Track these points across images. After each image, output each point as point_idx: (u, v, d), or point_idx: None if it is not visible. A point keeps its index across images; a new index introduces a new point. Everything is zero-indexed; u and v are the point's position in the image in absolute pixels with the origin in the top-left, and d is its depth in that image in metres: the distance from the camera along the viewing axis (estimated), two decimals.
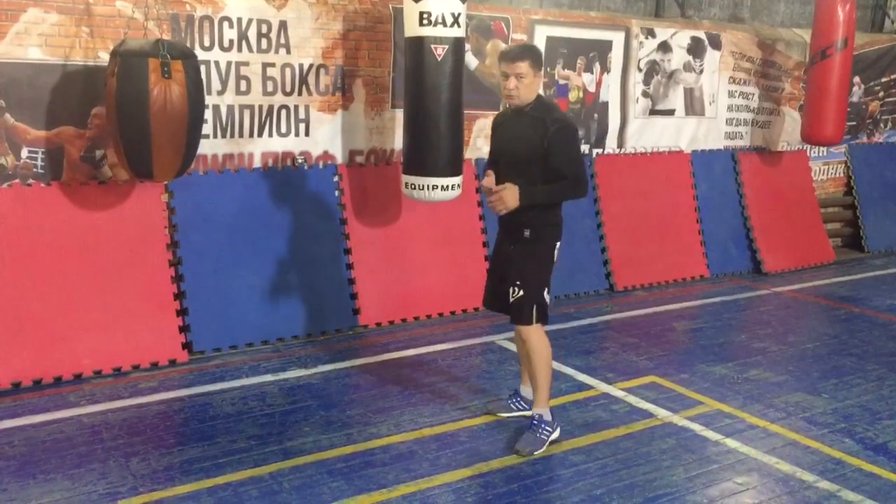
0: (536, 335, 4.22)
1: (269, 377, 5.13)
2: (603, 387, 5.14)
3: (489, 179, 4.17)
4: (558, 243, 4.27)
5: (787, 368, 5.57)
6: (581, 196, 4.19)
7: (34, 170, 5.09)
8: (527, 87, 4.12)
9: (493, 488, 3.87)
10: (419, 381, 5.13)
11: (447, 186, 5.46)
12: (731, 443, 4.40)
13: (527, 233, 4.18)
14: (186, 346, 5.38)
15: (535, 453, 4.19)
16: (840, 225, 9.49)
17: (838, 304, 7.27)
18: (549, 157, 4.05)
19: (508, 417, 4.60)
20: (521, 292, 4.19)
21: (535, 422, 4.28)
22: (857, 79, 9.03)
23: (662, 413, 4.75)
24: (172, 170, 4.81)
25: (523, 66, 4.08)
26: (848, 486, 3.98)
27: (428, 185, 5.43)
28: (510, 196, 4.03)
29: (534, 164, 4.08)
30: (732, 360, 5.67)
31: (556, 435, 4.31)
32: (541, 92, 4.32)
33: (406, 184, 5.54)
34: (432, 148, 5.38)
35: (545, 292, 4.23)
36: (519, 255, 4.24)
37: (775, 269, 8.21)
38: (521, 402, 4.62)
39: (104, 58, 5.06)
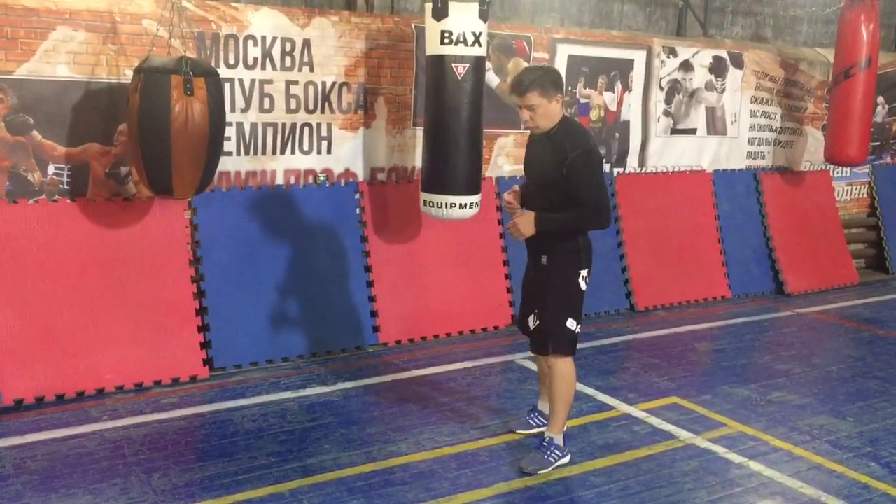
0: (561, 363, 4.16)
1: (289, 394, 5.14)
2: (624, 407, 5.10)
3: (511, 194, 4.14)
4: (583, 271, 4.12)
5: (812, 391, 5.50)
6: (602, 226, 4.04)
7: (60, 186, 5.15)
8: (542, 115, 4.01)
9: None
10: (439, 400, 5.12)
11: (465, 205, 5.46)
12: (755, 466, 4.35)
13: (544, 259, 4.12)
14: (207, 362, 5.40)
15: (539, 472, 4.15)
16: (864, 246, 9.40)
17: (862, 325, 7.19)
18: (568, 183, 3.94)
19: (529, 435, 4.57)
20: (538, 322, 4.16)
21: (545, 444, 4.24)
22: (880, 98, 8.97)
23: (684, 435, 4.71)
24: (192, 187, 4.84)
25: (532, 98, 3.97)
26: None
27: (446, 203, 5.43)
28: (525, 223, 3.99)
29: (555, 188, 4.01)
30: (755, 382, 5.61)
31: (565, 461, 4.25)
32: (566, 112, 4.23)
33: (424, 201, 5.55)
34: (451, 166, 5.39)
35: (569, 322, 4.11)
36: (539, 282, 4.18)
37: (798, 290, 8.13)
38: (540, 418, 4.60)
39: (130, 75, 5.11)
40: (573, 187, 3.94)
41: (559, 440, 4.25)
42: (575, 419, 4.77)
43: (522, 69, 4.31)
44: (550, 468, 4.19)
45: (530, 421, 4.63)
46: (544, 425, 4.51)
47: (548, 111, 4.01)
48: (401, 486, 4.00)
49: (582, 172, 3.93)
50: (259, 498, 3.85)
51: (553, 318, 4.11)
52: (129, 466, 4.13)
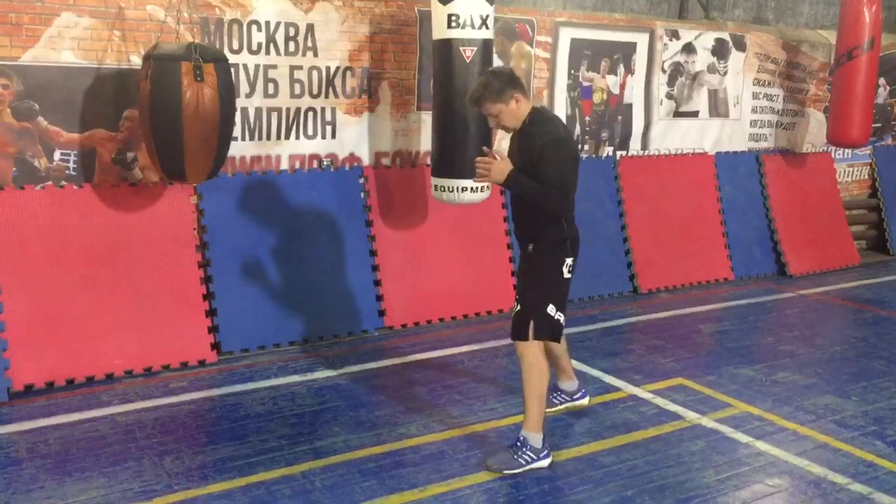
0: (531, 352, 4.01)
1: (297, 377, 5.17)
2: (630, 388, 5.14)
3: (490, 151, 3.98)
4: (568, 259, 4.02)
5: (816, 371, 5.54)
6: (564, 210, 3.94)
7: (67, 172, 5.16)
8: (506, 118, 3.95)
9: (524, 489, 3.88)
10: (446, 382, 5.15)
11: (477, 188, 5.47)
12: (762, 445, 4.39)
13: (530, 247, 4.07)
14: (215, 346, 5.43)
15: (505, 472, 3.97)
16: (865, 227, 9.43)
17: (865, 306, 7.22)
18: (538, 170, 3.86)
19: (556, 413, 4.60)
20: (519, 307, 4.06)
21: (519, 443, 4.04)
22: (882, 80, 8.97)
23: (691, 415, 4.74)
24: (204, 172, 4.86)
25: (489, 107, 3.93)
26: (881, 488, 3.96)
27: (458, 187, 5.44)
28: (498, 170, 3.85)
29: (529, 178, 3.90)
30: (760, 363, 5.65)
31: (543, 464, 4.03)
32: (536, 104, 4.10)
33: (435, 186, 5.56)
34: (461, 150, 5.39)
35: (549, 309, 4.00)
36: (523, 269, 4.15)
37: (800, 271, 8.17)
38: (563, 395, 4.66)
39: (136, 61, 5.12)
40: (541, 172, 3.85)
41: (535, 441, 4.02)
42: None
43: (476, 83, 4.13)
44: (521, 470, 3.98)
45: (554, 400, 4.65)
46: (568, 401, 4.62)
47: (511, 112, 3.94)
48: (412, 468, 4.04)
49: (549, 157, 3.85)
50: (272, 479, 3.89)
51: (534, 303, 4.02)
52: (141, 450, 4.16)
